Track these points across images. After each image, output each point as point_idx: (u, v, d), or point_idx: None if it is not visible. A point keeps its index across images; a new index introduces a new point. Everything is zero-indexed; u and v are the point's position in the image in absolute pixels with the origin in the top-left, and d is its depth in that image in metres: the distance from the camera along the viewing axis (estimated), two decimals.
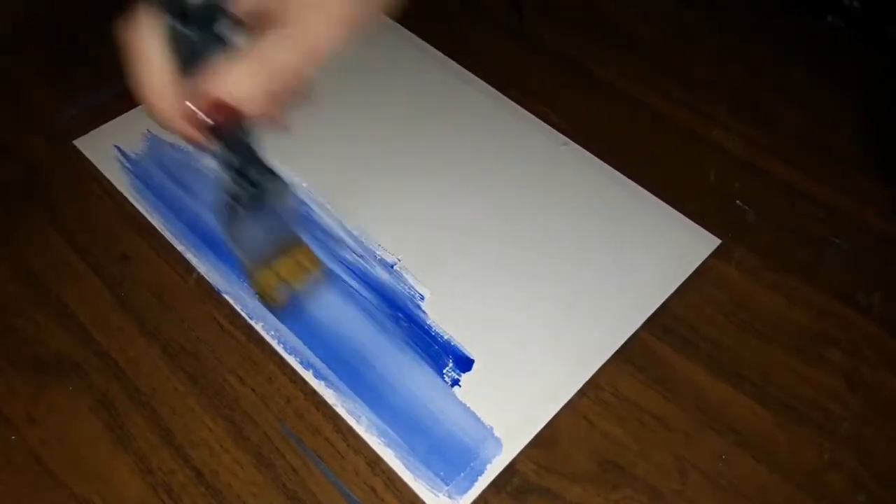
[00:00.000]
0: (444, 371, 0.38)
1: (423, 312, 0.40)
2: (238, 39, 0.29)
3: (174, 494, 0.34)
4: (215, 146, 0.31)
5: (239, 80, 0.28)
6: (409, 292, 0.41)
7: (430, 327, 0.39)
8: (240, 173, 0.33)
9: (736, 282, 0.42)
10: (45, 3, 0.55)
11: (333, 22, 0.29)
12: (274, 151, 0.46)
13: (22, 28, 0.54)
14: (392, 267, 0.42)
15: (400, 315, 0.40)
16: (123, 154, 0.46)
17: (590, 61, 0.53)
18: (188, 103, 0.28)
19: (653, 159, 0.47)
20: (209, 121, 0.28)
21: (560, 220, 0.44)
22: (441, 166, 0.46)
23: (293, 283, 0.39)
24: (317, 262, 0.40)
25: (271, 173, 0.34)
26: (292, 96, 0.30)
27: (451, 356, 0.39)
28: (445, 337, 0.39)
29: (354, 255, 0.42)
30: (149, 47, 0.29)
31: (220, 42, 0.28)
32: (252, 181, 0.33)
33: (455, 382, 0.38)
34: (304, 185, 0.45)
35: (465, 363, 0.38)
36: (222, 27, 0.28)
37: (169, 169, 0.45)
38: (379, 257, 0.42)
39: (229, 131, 0.30)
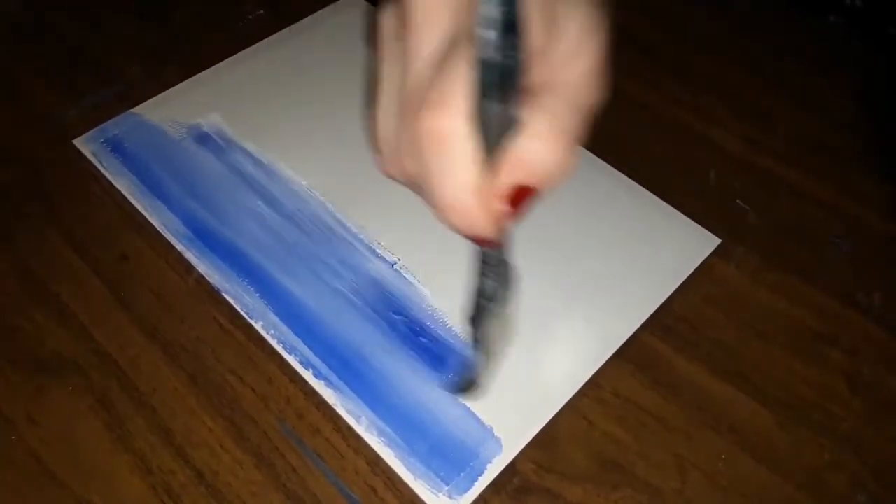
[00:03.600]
0: (445, 370, 0.38)
1: (424, 312, 0.40)
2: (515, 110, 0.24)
3: (174, 494, 0.34)
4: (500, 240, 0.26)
5: (545, 153, 0.24)
6: (409, 291, 0.41)
7: (430, 327, 0.39)
8: (494, 266, 0.30)
9: (736, 282, 0.42)
10: (46, 4, 0.55)
11: (595, 70, 0.26)
12: (274, 151, 0.46)
13: (22, 28, 0.54)
14: (392, 266, 0.42)
15: (400, 314, 0.40)
16: (123, 153, 0.46)
17: None
18: (499, 201, 0.24)
19: (653, 159, 0.47)
20: (515, 214, 0.25)
21: (559, 220, 0.44)
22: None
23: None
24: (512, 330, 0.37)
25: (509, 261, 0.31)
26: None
27: (452, 356, 0.39)
28: (445, 337, 0.39)
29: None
30: (460, 134, 0.23)
31: (508, 114, 0.23)
32: (501, 273, 0.31)
33: None
34: (304, 183, 0.45)
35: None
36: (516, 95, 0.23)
37: (169, 168, 0.45)
38: (379, 256, 0.42)
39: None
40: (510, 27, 0.22)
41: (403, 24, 0.24)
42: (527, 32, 0.22)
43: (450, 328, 0.39)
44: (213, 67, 0.51)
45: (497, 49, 0.22)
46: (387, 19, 0.25)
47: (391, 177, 0.27)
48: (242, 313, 0.40)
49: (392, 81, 0.25)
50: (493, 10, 0.21)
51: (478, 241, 0.26)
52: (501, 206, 0.24)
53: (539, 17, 0.23)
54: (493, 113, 0.23)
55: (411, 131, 0.24)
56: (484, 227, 0.24)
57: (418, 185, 0.25)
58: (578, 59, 0.25)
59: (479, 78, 0.22)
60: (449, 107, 0.22)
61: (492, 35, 0.21)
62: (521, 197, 0.24)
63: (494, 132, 0.23)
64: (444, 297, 0.40)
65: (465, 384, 0.37)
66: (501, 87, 0.22)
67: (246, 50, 0.52)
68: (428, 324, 0.39)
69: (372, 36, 0.25)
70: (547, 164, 0.24)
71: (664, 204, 0.45)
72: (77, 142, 0.46)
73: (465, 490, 0.34)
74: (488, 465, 0.35)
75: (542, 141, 0.24)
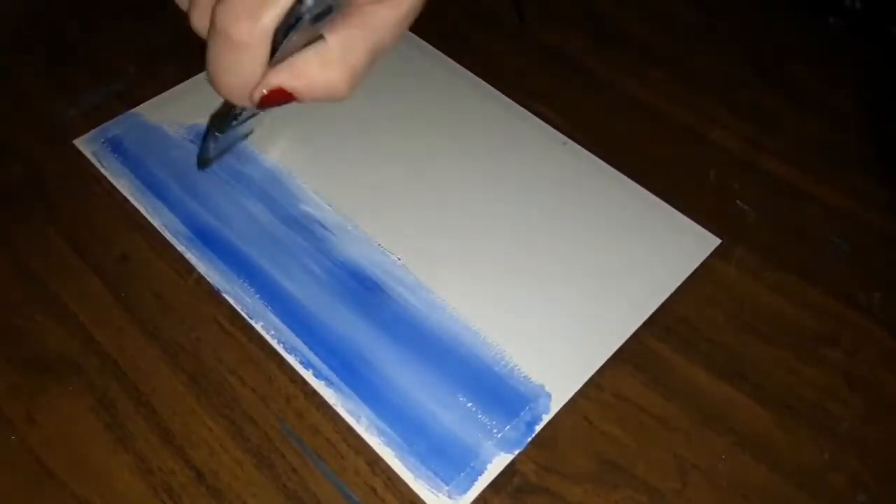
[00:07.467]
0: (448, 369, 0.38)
1: (426, 311, 0.40)
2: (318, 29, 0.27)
3: (174, 494, 0.34)
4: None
5: (318, 81, 0.27)
6: (410, 291, 0.41)
7: (432, 327, 0.39)
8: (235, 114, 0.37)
9: (736, 282, 0.42)
10: (45, 4, 0.55)
11: (401, 15, 0.28)
12: (274, 152, 0.46)
13: (22, 28, 0.54)
14: (393, 266, 0.42)
15: (401, 314, 0.40)
16: (123, 153, 0.46)
17: (589, 61, 0.53)
18: (261, 90, 0.27)
19: (653, 159, 0.47)
20: (267, 102, 0.28)
21: (559, 220, 0.44)
22: (440, 165, 0.46)
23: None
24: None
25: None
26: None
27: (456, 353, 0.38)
28: (445, 337, 0.39)
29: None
30: (255, 48, 0.26)
31: (312, 32, 0.27)
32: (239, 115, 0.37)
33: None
34: (304, 184, 0.45)
35: None
36: (324, 20, 0.27)
37: (169, 168, 0.45)
38: (380, 256, 0.42)
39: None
40: None
41: None
42: None
43: (453, 326, 0.39)
44: None
45: None
46: None
47: (180, 8, 0.29)
48: (242, 314, 0.40)
49: None
50: None
51: (235, 105, 0.31)
52: (262, 95, 0.28)
53: None
54: (291, 39, 0.25)
55: (212, 19, 0.25)
56: (242, 103, 0.28)
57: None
58: (389, 6, 0.27)
59: (295, 9, 0.24)
60: (257, 20, 0.25)
61: None
62: (280, 95, 0.28)
63: (285, 49, 0.26)
64: (447, 296, 0.40)
65: (201, 157, 0.43)
66: (312, 21, 0.25)
67: None
68: (431, 323, 0.39)
69: None
70: (318, 84, 0.27)
71: (664, 204, 0.45)
72: (77, 142, 0.46)
73: (465, 490, 0.34)
74: (488, 465, 0.35)
75: (327, 66, 0.27)
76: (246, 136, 0.45)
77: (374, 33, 0.27)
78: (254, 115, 0.39)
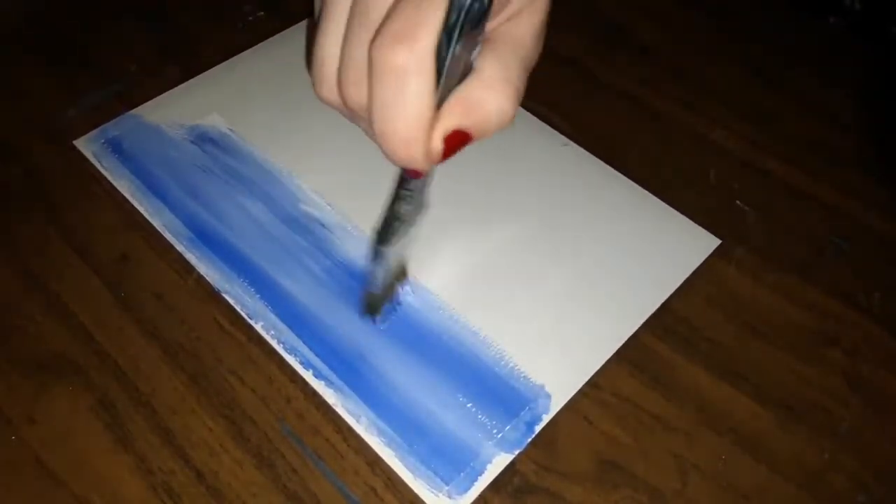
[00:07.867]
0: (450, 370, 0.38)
1: (426, 312, 0.40)
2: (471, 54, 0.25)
3: (174, 494, 0.34)
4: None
5: (489, 108, 0.25)
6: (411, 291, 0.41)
7: (433, 327, 0.39)
8: (412, 193, 0.31)
9: (736, 282, 0.42)
10: (45, 4, 0.55)
11: (539, 22, 0.26)
12: (274, 152, 0.46)
13: (22, 28, 0.54)
14: None
15: (401, 315, 0.40)
16: (123, 154, 0.46)
17: (590, 61, 0.53)
18: (439, 140, 0.25)
19: (653, 159, 0.47)
20: (447, 150, 0.26)
21: (559, 221, 0.44)
22: (439, 165, 0.46)
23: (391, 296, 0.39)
24: (406, 272, 0.40)
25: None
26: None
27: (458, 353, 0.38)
28: (445, 337, 0.39)
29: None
30: (422, 70, 0.23)
31: (466, 59, 0.25)
32: (417, 200, 0.31)
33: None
34: (304, 184, 0.45)
35: None
36: (476, 41, 0.25)
37: (169, 168, 0.45)
38: None
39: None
40: None
41: None
42: None
43: (453, 326, 0.39)
44: (214, 68, 0.51)
45: None
46: None
47: (326, 102, 0.28)
48: (242, 314, 0.40)
49: (341, 4, 0.25)
50: None
51: (408, 171, 0.28)
52: (439, 145, 0.25)
53: None
54: (453, 54, 0.23)
55: (368, 60, 0.24)
56: (421, 161, 0.26)
57: (355, 113, 0.27)
58: (527, 15, 0.26)
59: (449, 17, 0.23)
60: (416, 41, 0.23)
61: None
62: (458, 139, 0.26)
63: (448, 73, 0.24)
64: (448, 297, 0.40)
65: (369, 302, 0.38)
66: (469, 29, 0.23)
67: (246, 51, 0.52)
68: (431, 324, 0.39)
69: None
70: (492, 112, 0.25)
71: (664, 204, 0.45)
72: (77, 143, 0.46)
73: (465, 490, 0.34)
74: (488, 465, 0.35)
75: (493, 90, 0.25)
76: (405, 269, 0.39)
77: (521, 47, 0.26)
78: (415, 208, 0.33)
